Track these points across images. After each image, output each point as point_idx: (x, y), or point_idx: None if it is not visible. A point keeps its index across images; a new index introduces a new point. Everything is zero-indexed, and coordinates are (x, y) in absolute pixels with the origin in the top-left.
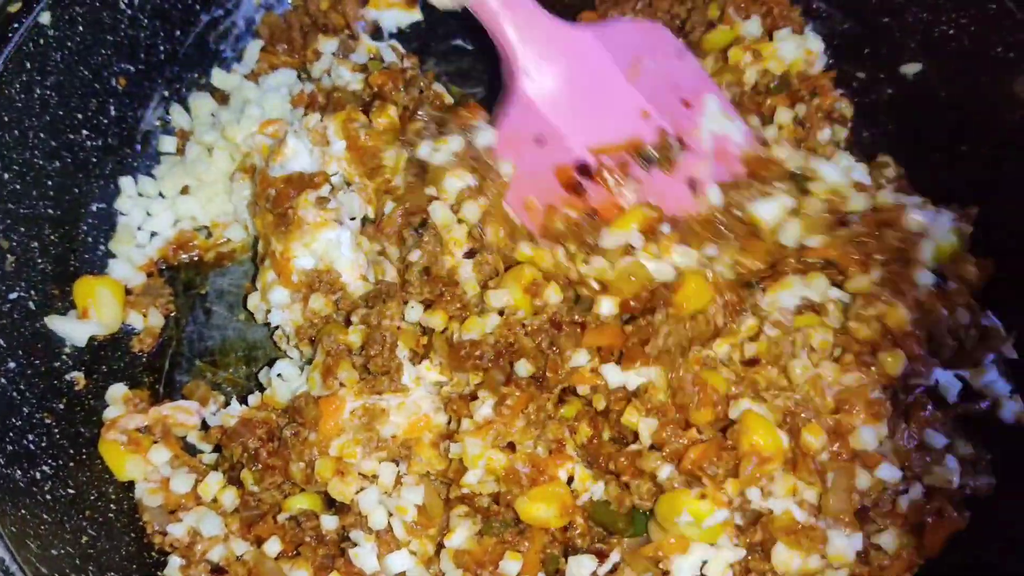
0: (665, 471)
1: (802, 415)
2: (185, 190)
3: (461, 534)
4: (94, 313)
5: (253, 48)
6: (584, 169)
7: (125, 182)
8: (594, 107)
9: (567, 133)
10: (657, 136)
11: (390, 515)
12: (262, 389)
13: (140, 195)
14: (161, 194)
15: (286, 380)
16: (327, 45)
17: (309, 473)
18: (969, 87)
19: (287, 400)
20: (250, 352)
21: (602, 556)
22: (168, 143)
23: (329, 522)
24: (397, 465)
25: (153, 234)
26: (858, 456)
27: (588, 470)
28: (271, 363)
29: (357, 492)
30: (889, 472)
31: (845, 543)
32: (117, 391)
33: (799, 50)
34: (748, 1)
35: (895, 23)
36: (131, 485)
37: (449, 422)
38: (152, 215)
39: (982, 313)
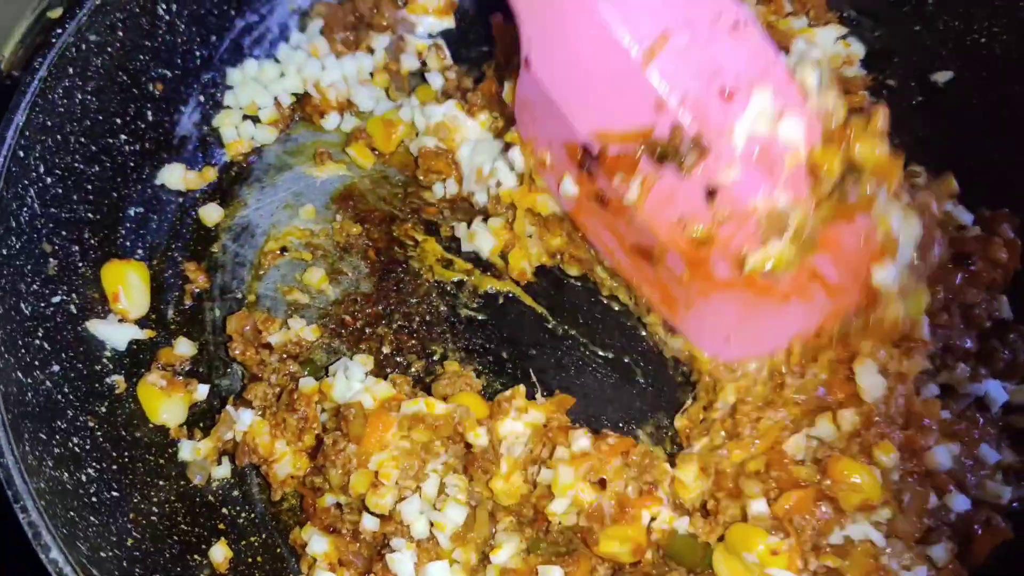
0: (758, 505)
1: (873, 430)
2: None
3: (507, 550)
4: (124, 297)
5: (313, 26)
6: (589, 153)
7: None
8: (601, 89)
9: (570, 113)
10: (669, 132)
11: (432, 524)
12: None
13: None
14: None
15: (349, 379)
16: (379, 41)
17: (346, 481)
18: (1001, 94)
19: (341, 399)
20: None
21: None
22: None
23: (370, 523)
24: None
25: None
26: (931, 475)
27: (674, 512)
28: None
29: (398, 502)
30: (962, 503)
31: None
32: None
33: (839, 45)
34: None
35: (926, 31)
36: (171, 488)
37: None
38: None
39: None
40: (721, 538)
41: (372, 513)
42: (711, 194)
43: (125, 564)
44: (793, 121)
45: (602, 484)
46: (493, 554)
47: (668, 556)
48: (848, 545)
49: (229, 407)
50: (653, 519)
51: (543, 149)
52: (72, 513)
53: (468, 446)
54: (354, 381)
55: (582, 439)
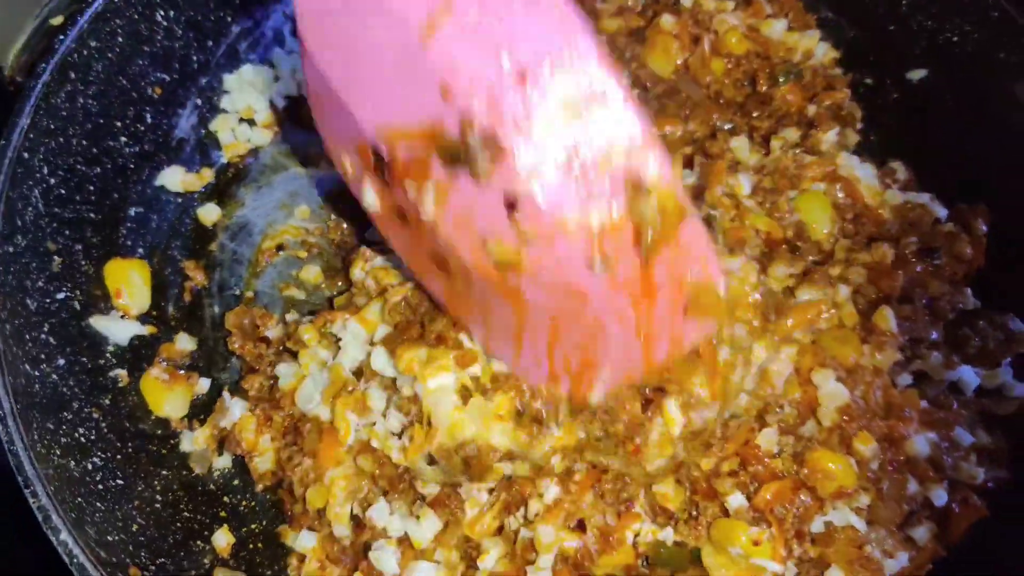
0: (736, 500)
1: (853, 423)
2: None
3: (493, 556)
4: (126, 294)
5: None
6: (380, 156)
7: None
8: (381, 73)
9: (351, 104)
10: (459, 127)
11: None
12: None
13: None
14: None
15: (313, 390)
16: None
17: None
18: (973, 91)
19: (303, 408)
20: None
21: None
22: None
23: (340, 531)
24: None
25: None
26: (909, 463)
27: (654, 524)
28: None
29: (366, 509)
30: (939, 496)
31: (895, 565)
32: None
33: (824, 47)
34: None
35: (901, 30)
36: (173, 477)
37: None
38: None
39: (1008, 316)
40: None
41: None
42: (511, 206)
43: (131, 548)
44: (606, 111)
45: (581, 525)
46: (480, 560)
47: (656, 565)
48: (831, 532)
49: (225, 394)
50: (636, 535)
51: (341, 152)
52: (80, 499)
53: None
54: (316, 393)
55: (551, 488)
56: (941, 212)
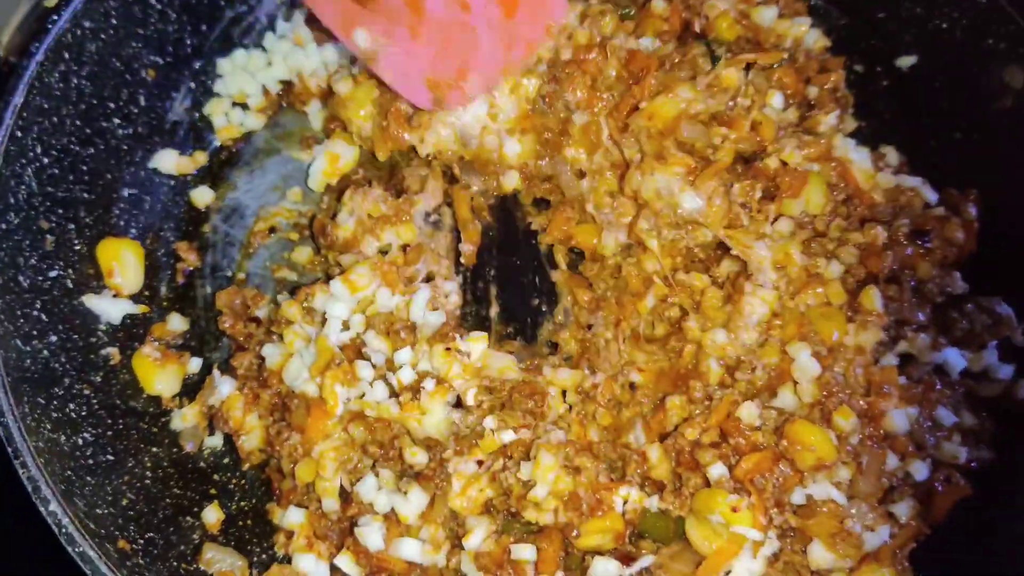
0: (718, 470)
1: (833, 398)
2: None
3: (479, 535)
4: (118, 273)
5: (298, 15)
6: None
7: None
8: None
9: None
10: None
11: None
12: None
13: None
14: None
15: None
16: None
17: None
18: (962, 77)
19: (290, 383)
20: None
21: (629, 559)
22: None
23: (329, 504)
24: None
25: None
26: (888, 438)
27: (642, 491)
28: None
29: (354, 483)
30: (920, 470)
31: (876, 539)
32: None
33: (815, 34)
34: None
35: (890, 17)
36: (163, 455)
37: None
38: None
39: (995, 300)
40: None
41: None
42: None
43: (120, 521)
44: None
45: (577, 471)
46: (465, 540)
47: (642, 533)
48: (812, 505)
49: (215, 371)
50: (625, 502)
51: None
52: (69, 472)
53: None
54: (303, 369)
55: (557, 433)
56: (932, 196)
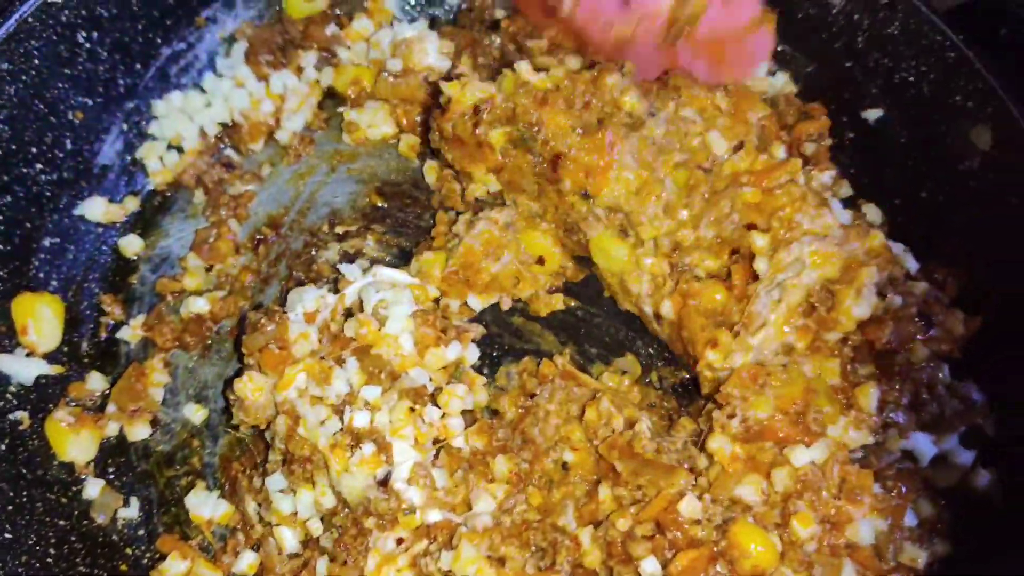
0: (650, 565)
1: (801, 499)
2: None
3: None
4: (33, 331)
5: (238, 51)
6: None
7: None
8: None
9: None
10: None
11: None
12: None
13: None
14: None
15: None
16: (307, 59)
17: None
18: (929, 134)
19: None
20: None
21: None
22: None
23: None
24: None
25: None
26: (849, 547)
27: None
28: None
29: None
30: None
31: None
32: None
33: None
34: None
35: (857, 68)
36: (72, 528)
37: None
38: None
39: (968, 385)
40: None
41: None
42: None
43: None
44: None
45: (502, 562)
46: None
47: None
48: None
49: None
50: None
51: None
52: None
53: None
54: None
55: (483, 517)
56: (913, 265)
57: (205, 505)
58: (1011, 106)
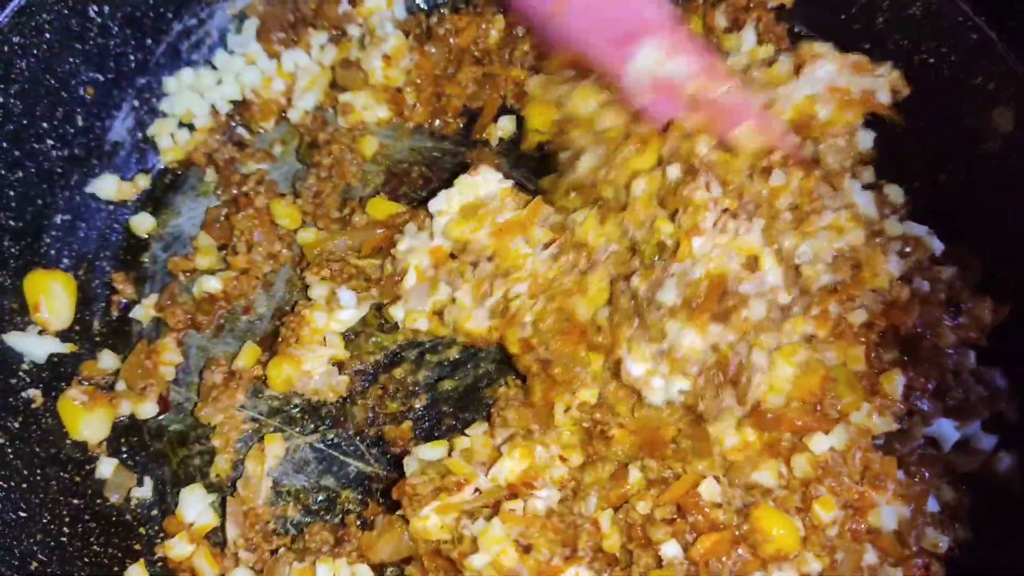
0: (671, 549)
1: (822, 483)
2: None
3: None
4: (46, 307)
5: (249, 28)
6: None
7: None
8: None
9: None
10: None
11: None
12: None
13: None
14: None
15: None
16: (318, 38)
17: None
18: (949, 116)
19: None
20: None
21: None
22: None
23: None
24: None
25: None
26: (871, 533)
27: (591, 570)
28: None
29: None
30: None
31: None
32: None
33: None
34: (737, 11)
35: (876, 50)
36: (86, 507)
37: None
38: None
39: (994, 372)
40: None
41: None
42: None
43: None
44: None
45: (527, 550)
46: None
47: None
48: None
49: None
50: None
51: None
52: None
53: None
54: None
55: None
56: (937, 246)
57: (194, 507)
58: None
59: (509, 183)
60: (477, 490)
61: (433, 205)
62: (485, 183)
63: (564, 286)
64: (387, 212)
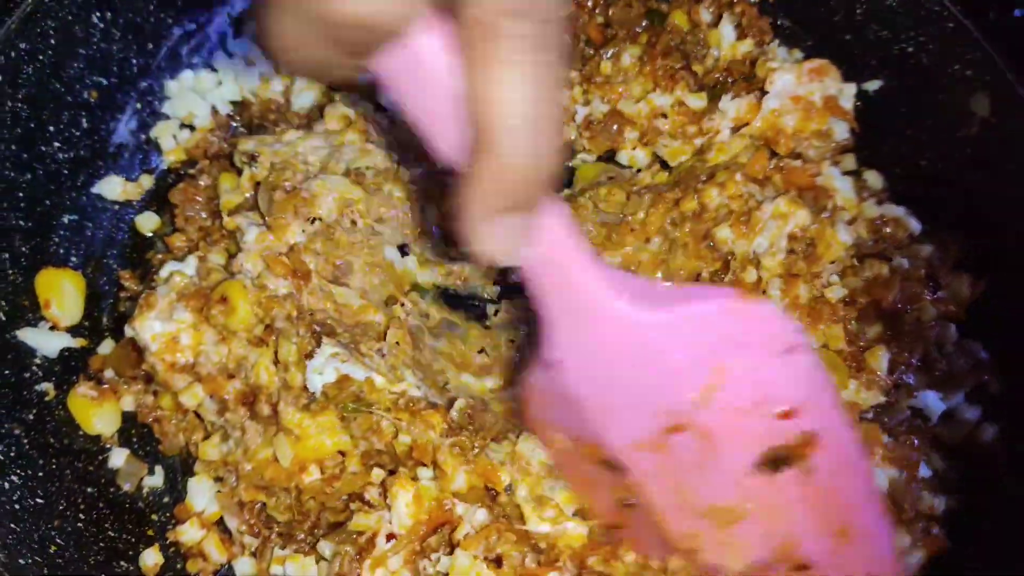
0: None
1: None
2: None
3: None
4: (55, 305)
5: (248, 31)
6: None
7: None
8: (644, 416)
9: (599, 426)
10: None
11: None
12: None
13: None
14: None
15: None
16: None
17: None
18: (928, 103)
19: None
20: None
21: None
22: None
23: None
24: None
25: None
26: None
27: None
28: None
29: None
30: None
31: None
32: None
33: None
34: (721, 7)
35: (856, 40)
36: (100, 495)
37: None
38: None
39: (976, 345)
40: None
41: None
42: None
43: (46, 571)
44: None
45: (498, 562)
46: None
47: None
48: None
49: None
50: None
51: (552, 429)
52: None
53: None
54: None
55: (479, 512)
56: (916, 226)
57: (202, 496)
58: (1008, 74)
59: None
60: (391, 536)
61: None
62: None
63: None
64: None
